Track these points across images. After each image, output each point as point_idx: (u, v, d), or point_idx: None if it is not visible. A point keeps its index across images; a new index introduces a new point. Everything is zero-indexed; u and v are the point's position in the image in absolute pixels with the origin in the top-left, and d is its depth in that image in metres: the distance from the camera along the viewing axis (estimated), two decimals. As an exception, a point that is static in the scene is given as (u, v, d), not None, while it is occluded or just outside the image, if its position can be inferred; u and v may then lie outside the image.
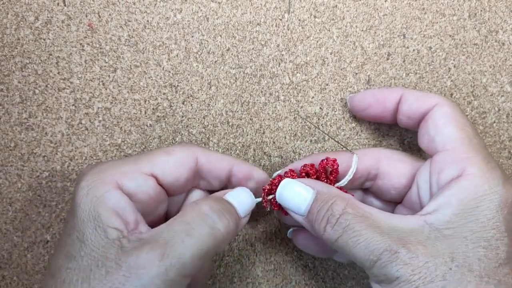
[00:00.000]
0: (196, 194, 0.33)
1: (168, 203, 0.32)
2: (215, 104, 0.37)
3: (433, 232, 0.27)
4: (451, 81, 0.37)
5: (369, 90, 0.36)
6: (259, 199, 0.32)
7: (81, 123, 0.37)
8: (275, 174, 0.32)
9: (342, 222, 0.27)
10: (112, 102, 0.37)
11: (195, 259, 0.26)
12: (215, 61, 0.37)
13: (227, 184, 0.33)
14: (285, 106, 0.37)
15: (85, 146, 0.37)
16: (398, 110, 0.33)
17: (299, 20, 0.37)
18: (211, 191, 0.33)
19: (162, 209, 0.31)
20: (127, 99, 0.37)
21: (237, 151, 0.37)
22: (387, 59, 0.37)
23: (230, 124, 0.37)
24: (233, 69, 0.37)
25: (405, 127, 0.34)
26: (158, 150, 0.30)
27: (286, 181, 0.30)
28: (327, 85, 0.37)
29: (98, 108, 0.37)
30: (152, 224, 0.28)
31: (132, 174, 0.29)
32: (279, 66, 0.37)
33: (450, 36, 0.37)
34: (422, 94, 0.32)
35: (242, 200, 0.30)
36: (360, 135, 0.37)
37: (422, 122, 0.32)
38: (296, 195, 0.30)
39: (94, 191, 0.27)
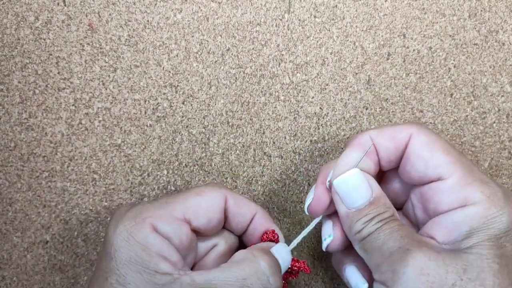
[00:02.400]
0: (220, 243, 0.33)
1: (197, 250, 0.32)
2: (215, 104, 0.37)
3: (447, 246, 0.27)
4: (451, 81, 0.37)
5: (343, 158, 0.31)
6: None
7: (81, 123, 0.37)
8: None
9: (376, 225, 0.28)
10: (112, 102, 0.37)
11: None
12: (215, 61, 0.37)
13: (246, 230, 0.33)
14: (285, 106, 0.37)
15: (85, 146, 0.37)
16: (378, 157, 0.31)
17: (299, 20, 0.37)
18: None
19: (191, 258, 0.31)
20: (127, 99, 0.37)
21: (237, 151, 0.37)
22: (387, 59, 0.37)
23: (230, 124, 0.37)
24: (233, 69, 0.37)
25: (388, 169, 0.32)
26: (189, 192, 0.31)
27: (355, 171, 0.30)
28: (327, 85, 0.37)
29: (98, 108, 0.37)
30: None
31: (168, 218, 0.29)
32: (279, 66, 0.37)
33: (450, 36, 0.37)
34: (392, 131, 0.30)
35: (284, 257, 0.31)
36: (360, 135, 0.37)
37: (404, 159, 0.30)
38: (357, 189, 0.29)
39: (135, 236, 0.27)
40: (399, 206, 0.33)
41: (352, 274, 0.31)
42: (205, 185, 0.32)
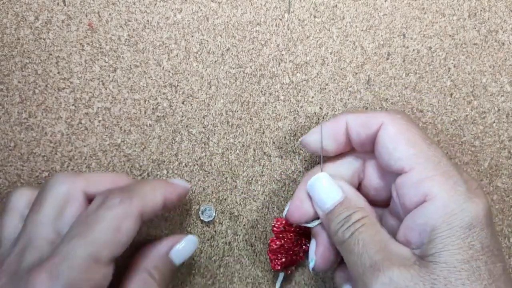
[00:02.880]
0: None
1: None
2: (215, 104, 0.37)
3: (418, 261, 0.26)
4: (451, 81, 0.37)
5: (316, 128, 0.32)
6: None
7: (81, 123, 0.37)
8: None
9: (352, 228, 0.29)
10: (112, 102, 0.37)
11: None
12: (215, 61, 0.37)
13: None
14: (285, 106, 0.37)
15: (84, 146, 0.37)
16: (350, 140, 0.31)
17: (299, 20, 0.37)
18: None
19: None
20: (127, 99, 0.37)
21: (237, 151, 0.37)
22: (387, 59, 0.37)
23: (230, 124, 0.37)
24: (233, 69, 0.37)
25: (365, 153, 0.32)
26: None
27: (323, 175, 0.31)
28: (327, 85, 0.37)
29: (98, 108, 0.37)
30: None
31: None
32: (279, 66, 0.37)
33: (450, 36, 0.37)
34: (365, 117, 0.30)
35: (185, 254, 0.33)
36: (360, 135, 0.37)
37: (375, 147, 0.30)
38: (326, 192, 0.31)
39: None
40: (385, 204, 0.33)
41: None
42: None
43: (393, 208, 0.32)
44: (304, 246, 0.35)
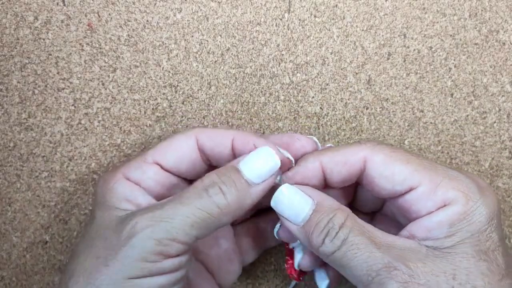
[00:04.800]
0: None
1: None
2: (215, 104, 0.37)
3: (431, 251, 0.26)
4: (452, 81, 0.37)
5: (291, 174, 0.30)
6: (286, 154, 0.30)
7: (81, 123, 0.37)
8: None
9: (341, 235, 0.26)
10: (111, 102, 0.37)
11: (186, 225, 0.26)
12: (215, 61, 0.37)
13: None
14: (285, 106, 0.37)
15: (84, 146, 0.37)
16: (327, 180, 0.30)
17: (299, 19, 0.37)
18: None
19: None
20: (126, 99, 0.37)
21: (237, 151, 0.37)
22: (388, 59, 0.37)
23: (230, 124, 0.37)
24: (233, 69, 0.37)
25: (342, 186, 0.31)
26: (163, 140, 0.31)
27: (284, 187, 0.29)
28: (327, 85, 0.37)
29: (98, 108, 0.37)
30: None
31: (136, 164, 0.30)
32: (279, 66, 0.37)
33: (450, 36, 0.37)
34: (344, 157, 0.29)
35: (255, 165, 0.28)
36: (360, 135, 0.37)
37: (367, 181, 0.29)
38: (294, 203, 0.28)
39: (106, 183, 0.29)
40: (377, 209, 0.33)
41: None
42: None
43: (385, 211, 0.32)
44: None
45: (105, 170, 0.37)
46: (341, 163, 0.29)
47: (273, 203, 0.29)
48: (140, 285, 0.26)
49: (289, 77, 0.37)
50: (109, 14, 0.36)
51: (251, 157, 0.29)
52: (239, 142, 0.30)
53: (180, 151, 0.30)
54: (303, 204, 0.28)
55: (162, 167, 0.30)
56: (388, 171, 0.28)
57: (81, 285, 0.26)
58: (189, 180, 0.32)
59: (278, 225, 0.31)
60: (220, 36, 0.37)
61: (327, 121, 0.37)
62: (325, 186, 0.30)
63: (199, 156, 0.31)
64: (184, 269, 0.28)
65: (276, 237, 0.32)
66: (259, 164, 0.28)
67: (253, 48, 0.37)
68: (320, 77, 0.37)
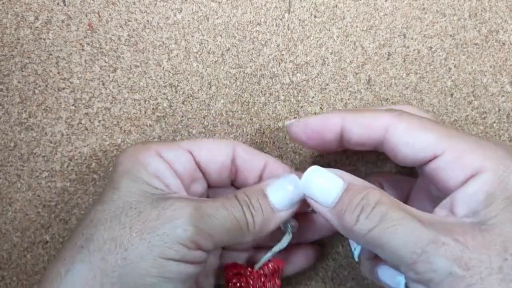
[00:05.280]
0: None
1: (207, 194, 0.33)
2: (215, 104, 0.37)
3: (477, 225, 0.24)
4: (452, 81, 0.37)
5: (306, 119, 0.30)
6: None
7: (81, 123, 0.37)
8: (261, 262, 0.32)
9: (379, 211, 0.25)
10: (112, 102, 0.37)
11: (223, 228, 0.27)
12: (215, 61, 0.37)
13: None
14: (285, 106, 0.37)
15: (84, 146, 0.37)
16: (345, 140, 0.29)
17: (299, 20, 0.37)
18: None
19: (197, 189, 0.32)
20: (127, 99, 0.37)
21: (237, 151, 0.37)
22: (388, 59, 0.37)
23: (230, 124, 0.37)
24: (233, 69, 0.37)
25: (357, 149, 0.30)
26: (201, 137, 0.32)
27: (312, 170, 0.28)
28: (327, 85, 0.37)
29: (98, 108, 0.37)
30: None
31: (171, 145, 0.30)
32: (279, 66, 0.37)
33: (450, 36, 0.37)
34: (367, 120, 0.28)
35: (281, 193, 0.29)
36: (360, 135, 0.37)
37: (390, 149, 0.28)
38: (324, 184, 0.28)
39: (137, 155, 0.29)
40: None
41: (386, 273, 0.29)
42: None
43: (419, 185, 0.31)
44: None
45: (105, 170, 0.37)
46: (364, 125, 0.28)
47: (303, 183, 0.29)
48: (168, 267, 0.26)
49: (289, 77, 0.37)
50: (110, 14, 0.36)
51: (279, 184, 0.30)
52: (273, 168, 0.31)
53: (216, 152, 0.31)
54: (334, 184, 0.27)
55: (194, 158, 0.31)
56: (410, 138, 0.27)
57: (105, 252, 0.25)
58: (209, 186, 0.32)
59: (357, 247, 0.31)
60: (220, 36, 0.37)
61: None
62: (337, 147, 0.30)
63: (230, 166, 0.31)
64: (201, 268, 0.28)
65: (356, 260, 0.32)
66: (285, 193, 0.29)
67: (253, 48, 0.37)
68: (320, 77, 0.37)
